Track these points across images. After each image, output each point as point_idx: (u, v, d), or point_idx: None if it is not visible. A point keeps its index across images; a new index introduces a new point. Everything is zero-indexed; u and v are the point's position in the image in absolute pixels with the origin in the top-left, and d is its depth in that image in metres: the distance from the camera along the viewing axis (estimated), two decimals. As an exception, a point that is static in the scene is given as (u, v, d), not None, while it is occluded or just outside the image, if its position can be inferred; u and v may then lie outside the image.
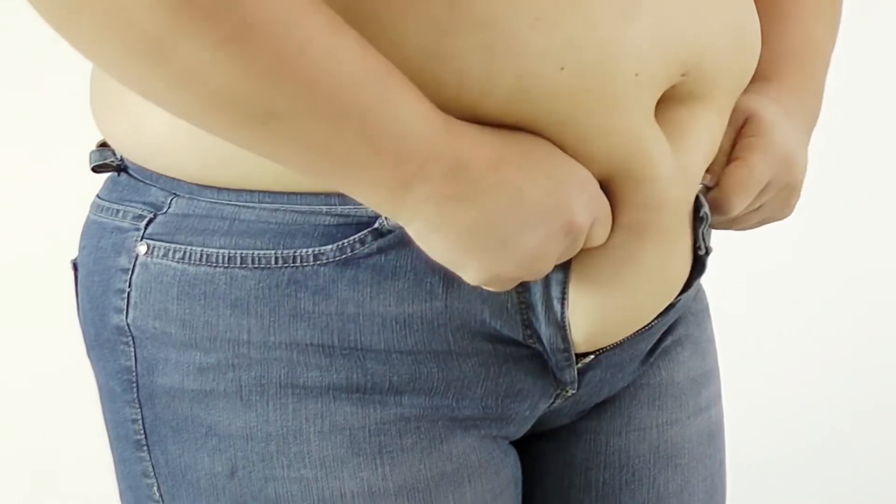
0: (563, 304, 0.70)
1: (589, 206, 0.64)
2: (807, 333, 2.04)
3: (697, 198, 0.73)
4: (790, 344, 2.05)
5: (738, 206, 0.74)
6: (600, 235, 0.67)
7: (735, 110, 0.75)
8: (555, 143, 0.63)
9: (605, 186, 0.66)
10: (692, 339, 0.87)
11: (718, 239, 1.17)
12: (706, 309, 0.91)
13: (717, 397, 0.90)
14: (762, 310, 2.02)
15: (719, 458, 0.90)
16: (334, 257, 0.68)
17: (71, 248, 0.81)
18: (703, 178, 0.73)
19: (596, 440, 0.84)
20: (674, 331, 0.85)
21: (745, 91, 0.76)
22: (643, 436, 0.84)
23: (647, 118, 0.66)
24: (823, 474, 2.06)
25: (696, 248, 0.74)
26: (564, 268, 0.69)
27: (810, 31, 0.85)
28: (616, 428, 0.84)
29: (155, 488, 0.75)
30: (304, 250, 0.68)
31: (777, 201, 0.79)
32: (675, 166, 0.68)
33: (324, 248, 0.68)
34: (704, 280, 0.91)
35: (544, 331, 0.71)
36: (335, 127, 0.57)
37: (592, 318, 0.71)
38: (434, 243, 0.63)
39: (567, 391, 0.76)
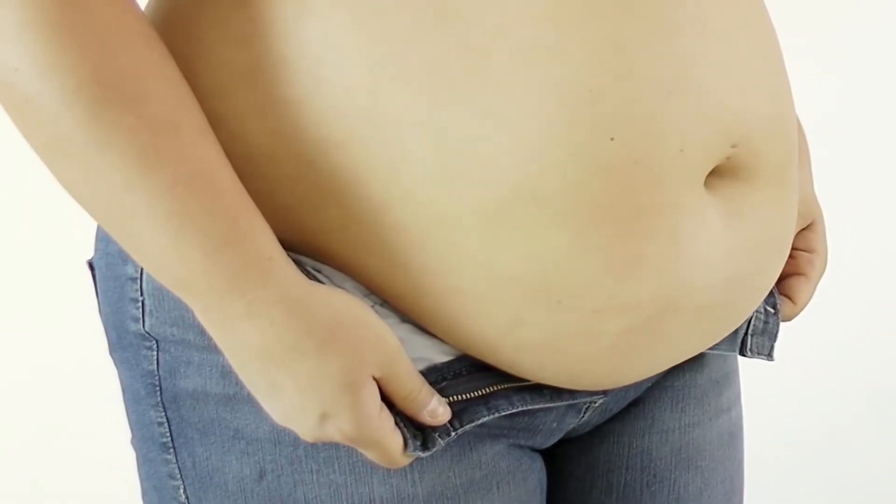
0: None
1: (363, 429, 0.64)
2: (807, 333, 2.04)
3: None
4: (789, 344, 2.05)
5: (796, 315, 0.82)
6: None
7: (801, 210, 0.80)
8: (601, 222, 0.62)
9: (645, 260, 0.64)
10: (714, 341, 0.87)
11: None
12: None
13: (737, 398, 0.90)
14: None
15: (738, 459, 0.90)
16: None
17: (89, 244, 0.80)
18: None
19: (619, 442, 0.84)
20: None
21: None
22: (665, 438, 0.84)
23: (696, 192, 0.64)
24: (822, 474, 2.07)
25: (742, 349, 0.80)
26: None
27: None
28: (639, 430, 0.84)
29: (181, 490, 0.75)
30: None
31: None
32: (724, 247, 0.66)
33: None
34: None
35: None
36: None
37: (609, 376, 0.71)
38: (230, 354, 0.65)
39: (596, 402, 0.77)
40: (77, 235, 0.97)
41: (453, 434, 0.68)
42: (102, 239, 0.76)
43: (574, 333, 0.66)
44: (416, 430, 0.67)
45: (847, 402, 2.08)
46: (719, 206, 0.66)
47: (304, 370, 0.62)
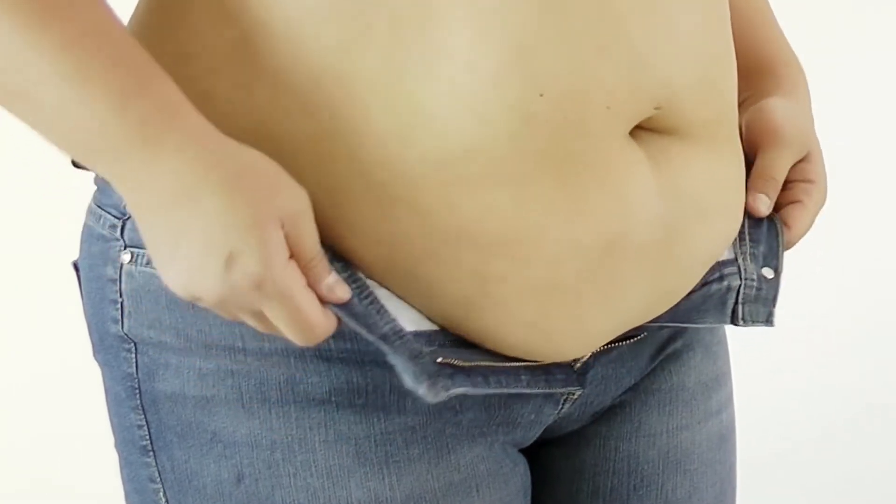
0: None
1: (254, 295, 0.61)
2: (805, 333, 2.04)
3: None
4: (789, 343, 2.05)
5: (794, 242, 0.81)
6: (292, 323, 0.62)
7: (789, 146, 0.80)
8: (534, 166, 0.64)
9: (582, 204, 0.66)
10: (703, 343, 0.86)
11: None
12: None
13: (729, 401, 0.89)
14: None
15: (729, 463, 0.89)
16: None
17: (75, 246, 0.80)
18: (757, 206, 0.79)
19: (605, 445, 0.83)
20: (684, 334, 0.84)
21: (773, 99, 0.82)
22: (653, 441, 0.84)
23: (624, 144, 0.67)
24: (821, 474, 2.06)
25: (734, 318, 0.78)
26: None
27: (770, 27, 0.91)
28: (625, 433, 0.83)
29: (161, 493, 0.74)
30: None
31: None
32: (653, 189, 0.69)
33: None
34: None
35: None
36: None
37: (572, 331, 0.71)
38: (134, 208, 0.64)
39: (573, 394, 0.76)
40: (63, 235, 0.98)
41: (452, 391, 0.66)
42: (86, 240, 0.76)
43: (532, 287, 0.67)
44: (421, 374, 0.65)
45: (841, 405, 2.07)
46: (646, 156, 0.69)
47: (211, 207, 0.60)
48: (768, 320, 0.79)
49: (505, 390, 0.70)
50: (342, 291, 0.64)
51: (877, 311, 2.06)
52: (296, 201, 0.62)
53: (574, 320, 0.69)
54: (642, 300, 0.72)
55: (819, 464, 2.06)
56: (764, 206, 0.79)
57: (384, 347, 0.65)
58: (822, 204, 0.83)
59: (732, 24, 0.77)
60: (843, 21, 1.93)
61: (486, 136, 0.64)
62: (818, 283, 1.94)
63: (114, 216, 0.73)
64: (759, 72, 0.86)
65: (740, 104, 0.83)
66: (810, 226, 0.82)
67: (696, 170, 0.71)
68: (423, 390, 0.65)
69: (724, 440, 0.88)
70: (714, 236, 0.74)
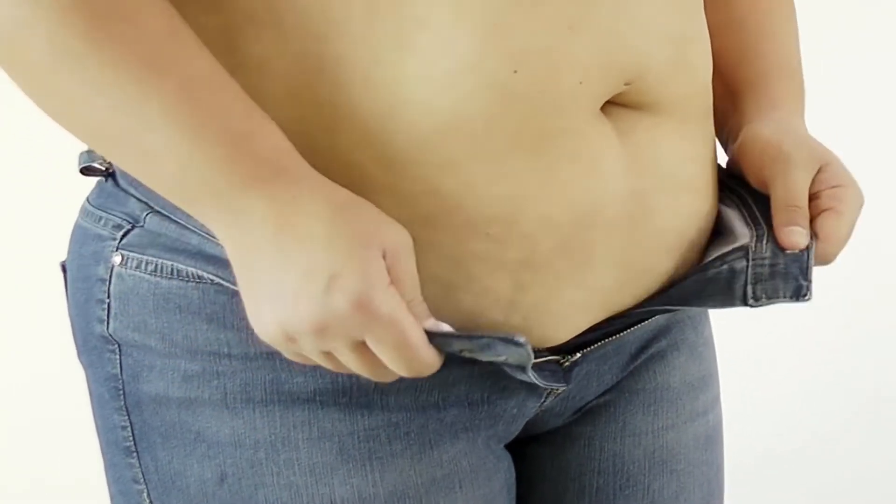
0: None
1: (358, 321, 0.60)
2: (804, 333, 2.04)
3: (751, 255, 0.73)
4: (788, 343, 2.05)
5: (836, 255, 0.74)
6: (399, 358, 0.61)
7: (805, 164, 0.74)
8: (509, 143, 0.65)
9: (555, 180, 0.67)
10: (688, 343, 0.86)
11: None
12: (704, 312, 0.90)
13: (716, 401, 0.89)
14: (759, 311, 2.02)
15: (717, 463, 0.89)
16: None
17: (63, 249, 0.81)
18: (792, 240, 0.72)
19: (590, 445, 0.83)
20: (668, 334, 0.84)
21: (760, 123, 0.78)
22: (638, 441, 0.84)
23: (595, 118, 0.68)
24: (820, 474, 2.06)
25: (745, 299, 0.72)
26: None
27: (787, 44, 0.86)
28: (610, 433, 0.83)
29: (145, 494, 0.75)
30: None
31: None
32: (622, 163, 0.69)
33: None
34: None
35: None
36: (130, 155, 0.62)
37: (551, 310, 0.70)
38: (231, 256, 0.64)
39: (557, 390, 0.76)
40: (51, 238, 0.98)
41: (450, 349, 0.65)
42: (77, 241, 0.76)
43: (508, 265, 0.67)
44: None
45: (834, 406, 2.07)
46: (616, 131, 0.69)
47: (315, 232, 0.60)
48: (798, 295, 0.72)
49: (496, 358, 0.66)
50: (445, 326, 0.64)
51: (877, 311, 2.06)
52: (399, 235, 0.63)
53: (551, 298, 0.69)
54: (615, 275, 0.72)
55: (818, 464, 2.06)
56: (800, 237, 0.72)
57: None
58: (860, 205, 0.76)
59: (733, 34, 0.78)
60: (844, 21, 1.93)
61: (463, 115, 0.64)
62: (818, 282, 1.94)
63: (121, 220, 0.73)
64: (749, 86, 0.83)
65: (728, 128, 0.82)
66: (847, 231, 0.74)
67: (665, 145, 0.72)
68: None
69: (712, 441, 0.88)
70: (684, 213, 0.74)
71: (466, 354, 0.65)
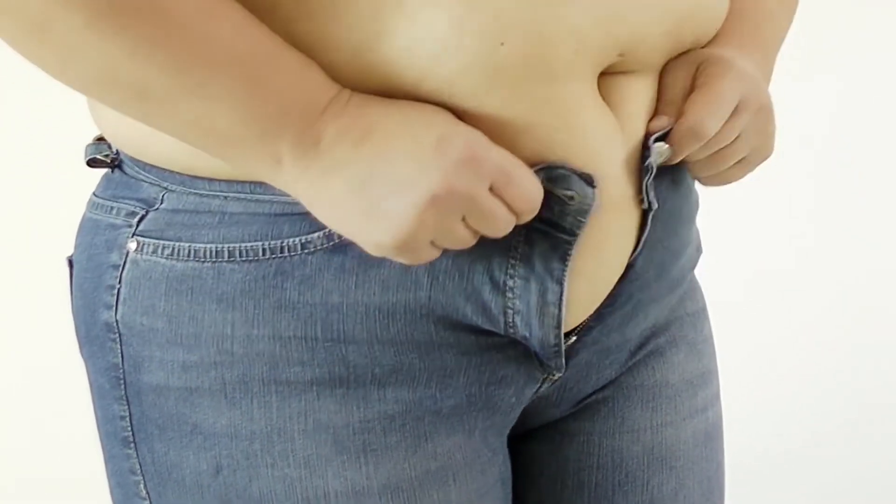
0: (560, 308, 0.70)
1: (475, 170, 0.63)
2: (804, 333, 2.04)
3: (644, 151, 0.72)
4: (787, 344, 2.04)
5: (712, 125, 0.71)
6: (516, 196, 0.65)
7: (687, 62, 0.74)
8: (501, 116, 0.65)
9: (548, 149, 0.67)
10: (687, 341, 0.86)
11: (718, 239, 1.16)
12: (703, 310, 0.90)
13: (715, 398, 0.89)
14: (760, 310, 2.02)
15: (717, 460, 0.89)
16: (322, 245, 0.69)
17: (69, 245, 0.81)
18: (653, 125, 0.72)
19: (589, 441, 0.83)
20: (667, 331, 0.84)
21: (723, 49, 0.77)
22: (637, 437, 0.84)
23: (588, 91, 0.68)
24: (820, 474, 2.05)
25: (640, 201, 0.72)
26: (560, 268, 0.69)
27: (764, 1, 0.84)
28: (609, 429, 0.83)
29: (142, 485, 0.75)
30: (292, 239, 0.69)
31: (755, 127, 0.75)
32: (619, 136, 0.69)
33: (311, 235, 0.69)
34: (703, 280, 0.91)
35: (535, 333, 0.71)
36: (207, 108, 0.61)
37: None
38: (318, 214, 0.65)
39: (553, 375, 0.76)
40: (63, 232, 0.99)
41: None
42: (87, 232, 0.77)
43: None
44: None
45: (834, 406, 2.07)
46: (607, 96, 0.70)
47: (402, 118, 0.63)
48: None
49: (565, 192, 0.68)
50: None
51: (877, 311, 2.05)
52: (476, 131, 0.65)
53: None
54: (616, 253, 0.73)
55: (817, 465, 2.06)
56: (660, 121, 0.72)
57: None
58: (756, 109, 0.74)
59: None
60: (844, 22, 1.93)
61: (450, 88, 0.64)
62: (818, 282, 1.94)
63: (134, 206, 0.74)
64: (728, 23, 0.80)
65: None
66: (717, 113, 0.71)
67: (645, 97, 0.72)
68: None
69: (711, 438, 0.88)
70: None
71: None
